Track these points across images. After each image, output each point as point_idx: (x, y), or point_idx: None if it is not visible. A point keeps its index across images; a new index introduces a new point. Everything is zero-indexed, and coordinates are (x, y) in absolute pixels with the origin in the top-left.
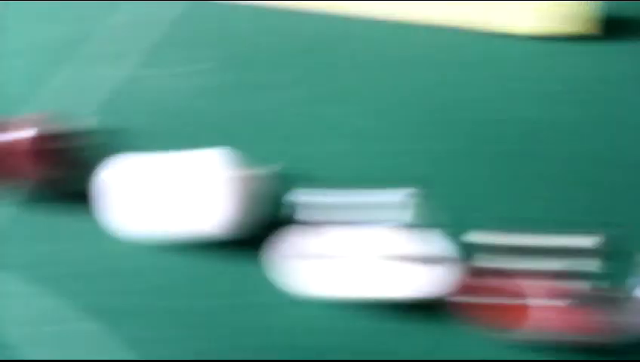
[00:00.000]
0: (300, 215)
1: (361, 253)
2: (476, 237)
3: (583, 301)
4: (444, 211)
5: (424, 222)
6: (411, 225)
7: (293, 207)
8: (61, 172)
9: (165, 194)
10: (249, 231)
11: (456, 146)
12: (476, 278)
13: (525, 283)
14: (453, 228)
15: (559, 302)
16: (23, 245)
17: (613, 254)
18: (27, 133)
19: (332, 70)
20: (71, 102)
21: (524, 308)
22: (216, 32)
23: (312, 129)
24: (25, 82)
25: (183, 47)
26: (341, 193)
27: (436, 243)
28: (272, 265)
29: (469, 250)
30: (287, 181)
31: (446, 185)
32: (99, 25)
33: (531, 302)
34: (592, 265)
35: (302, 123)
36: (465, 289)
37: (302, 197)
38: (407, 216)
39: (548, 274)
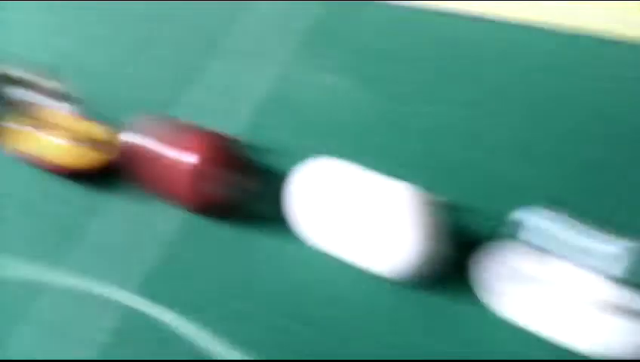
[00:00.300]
0: (520, 235)
1: (573, 295)
2: None
3: None
4: None
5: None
6: (624, 279)
7: (514, 225)
8: (249, 180)
9: (355, 220)
10: (437, 268)
11: None
12: None
13: None
14: None
15: None
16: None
17: None
18: (209, 140)
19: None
20: (222, 105)
21: None
22: (359, 36)
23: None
24: (172, 82)
25: (329, 49)
26: (566, 222)
27: None
28: (483, 285)
29: None
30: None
31: None
32: (238, 24)
33: None
34: None
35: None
36: None
37: (527, 217)
38: (621, 268)
39: None
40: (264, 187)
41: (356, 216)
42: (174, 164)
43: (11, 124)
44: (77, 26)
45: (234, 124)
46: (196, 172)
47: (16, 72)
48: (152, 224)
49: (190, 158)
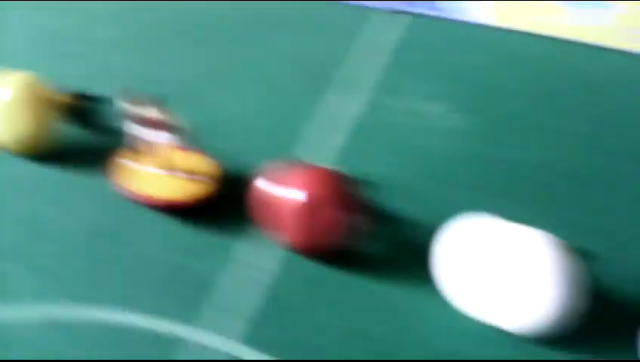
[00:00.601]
0: None
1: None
2: None
3: None
4: None
5: None
6: None
7: None
8: (362, 220)
9: (498, 277)
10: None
11: None
12: None
13: None
14: None
15: None
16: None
17: None
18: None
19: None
20: (318, 136)
21: None
22: (450, 59)
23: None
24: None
25: (421, 76)
26: None
27: None
28: None
29: None
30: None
31: None
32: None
33: None
34: None
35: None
36: None
37: None
38: None
39: None
40: (376, 227)
41: (498, 275)
42: (285, 203)
43: (124, 160)
44: (185, 56)
45: (341, 159)
46: (305, 209)
47: (136, 109)
48: (260, 267)
49: (300, 196)
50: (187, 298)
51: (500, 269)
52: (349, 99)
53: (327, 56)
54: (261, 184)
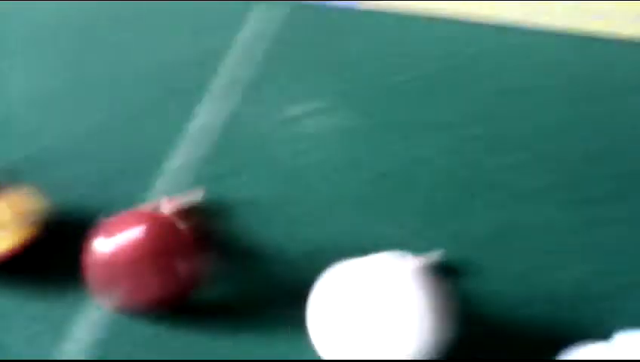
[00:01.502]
0: None
1: None
2: None
3: None
4: None
5: None
6: None
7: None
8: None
9: (366, 314)
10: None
11: None
12: None
13: None
14: None
15: None
16: None
17: None
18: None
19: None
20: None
21: None
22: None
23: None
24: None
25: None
26: None
27: None
28: None
29: None
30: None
31: None
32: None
33: None
34: None
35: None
36: None
37: None
38: None
39: None
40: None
41: (362, 323)
42: (95, 257)
43: None
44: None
45: (199, 183)
46: (112, 266)
47: None
48: (87, 340)
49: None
50: None
51: (363, 316)
52: (212, 109)
53: (190, 58)
54: (93, 241)
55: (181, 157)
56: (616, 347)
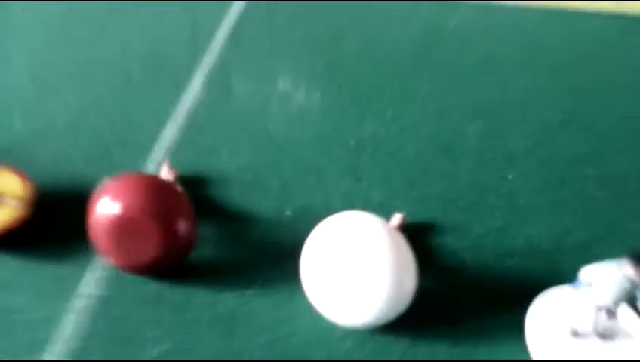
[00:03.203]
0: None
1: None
2: None
3: None
4: None
5: None
6: None
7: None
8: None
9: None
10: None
11: None
12: None
13: None
14: None
15: None
16: None
17: None
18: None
19: None
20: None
21: None
22: (291, 34)
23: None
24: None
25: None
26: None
27: None
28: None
29: None
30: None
31: None
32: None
33: None
34: None
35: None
36: None
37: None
38: None
39: None
40: (223, 229)
41: (341, 275)
42: (100, 221)
43: None
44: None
45: (177, 156)
46: (116, 227)
47: None
48: (90, 294)
49: (111, 211)
50: (21, 343)
51: (345, 269)
52: (185, 88)
53: (163, 41)
54: (96, 203)
55: (176, 129)
56: (582, 287)
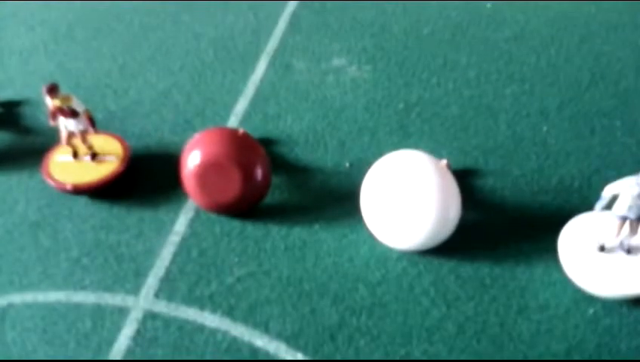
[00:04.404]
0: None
1: None
2: None
3: None
4: None
5: None
6: None
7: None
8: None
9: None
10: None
11: None
12: None
13: None
14: None
15: None
16: None
17: None
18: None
19: None
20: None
21: None
22: (344, 17)
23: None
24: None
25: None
26: None
27: None
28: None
29: None
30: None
31: None
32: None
33: None
34: None
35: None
36: None
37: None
38: None
39: None
40: (285, 179)
41: (399, 204)
42: (187, 167)
43: (51, 155)
44: (100, 49)
45: (250, 121)
46: (204, 171)
47: (51, 101)
48: (185, 231)
49: (195, 160)
50: (128, 270)
51: (399, 199)
52: (253, 69)
53: (231, 29)
54: (187, 154)
55: (247, 102)
56: (604, 201)
